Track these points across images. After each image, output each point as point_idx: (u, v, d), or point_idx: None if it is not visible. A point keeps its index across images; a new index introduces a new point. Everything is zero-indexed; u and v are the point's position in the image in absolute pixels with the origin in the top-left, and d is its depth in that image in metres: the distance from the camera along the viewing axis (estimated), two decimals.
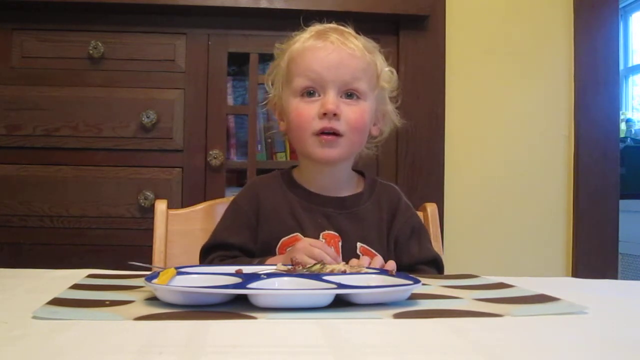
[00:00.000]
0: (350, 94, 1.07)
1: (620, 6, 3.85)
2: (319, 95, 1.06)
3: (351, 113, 1.06)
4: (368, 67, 1.09)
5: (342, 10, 1.84)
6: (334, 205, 1.11)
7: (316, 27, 1.12)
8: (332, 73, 1.05)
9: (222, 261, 1.07)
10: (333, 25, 1.13)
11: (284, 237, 1.08)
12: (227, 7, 1.89)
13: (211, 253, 1.10)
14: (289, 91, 1.09)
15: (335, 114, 1.04)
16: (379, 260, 0.94)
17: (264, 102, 1.21)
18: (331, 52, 1.06)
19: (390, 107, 1.17)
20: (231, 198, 1.19)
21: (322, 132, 1.05)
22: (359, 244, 1.08)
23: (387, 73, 1.14)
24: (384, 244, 1.11)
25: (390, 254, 1.10)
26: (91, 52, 1.89)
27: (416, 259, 1.11)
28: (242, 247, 1.09)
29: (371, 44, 1.13)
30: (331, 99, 1.04)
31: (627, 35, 4.43)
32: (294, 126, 1.08)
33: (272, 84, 1.16)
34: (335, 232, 1.08)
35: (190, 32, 1.94)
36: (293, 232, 1.08)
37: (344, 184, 1.14)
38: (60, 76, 1.90)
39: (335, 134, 1.05)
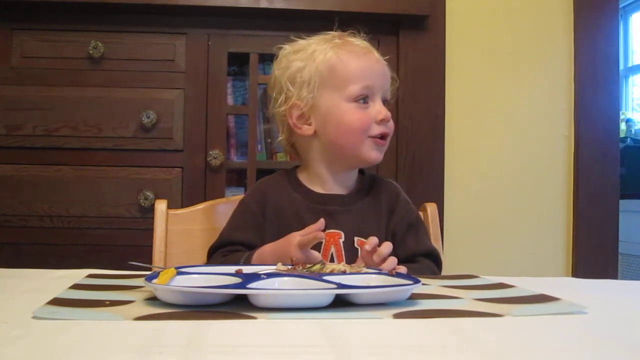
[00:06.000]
0: (384, 101, 1.13)
1: (620, 6, 3.85)
2: (369, 102, 1.11)
3: (391, 119, 1.13)
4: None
5: (342, 10, 1.84)
6: (334, 202, 1.12)
7: (337, 33, 1.15)
8: (380, 81, 1.12)
9: (225, 257, 1.08)
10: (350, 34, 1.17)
11: None
12: (227, 7, 1.89)
13: (217, 252, 1.11)
14: (339, 96, 1.10)
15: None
16: (373, 240, 0.96)
17: (279, 105, 1.19)
18: (376, 62, 1.13)
19: None
20: (232, 198, 1.19)
21: (379, 137, 1.11)
22: (356, 238, 1.10)
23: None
24: (383, 239, 1.11)
25: None
26: (91, 52, 1.89)
27: (413, 251, 1.12)
28: (247, 244, 1.10)
29: None
30: (382, 106, 1.11)
31: (627, 35, 4.42)
32: (349, 129, 1.10)
33: (291, 88, 1.13)
34: (337, 229, 1.09)
35: (190, 32, 1.94)
36: None
37: (347, 184, 1.16)
38: (60, 76, 1.90)
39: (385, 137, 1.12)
